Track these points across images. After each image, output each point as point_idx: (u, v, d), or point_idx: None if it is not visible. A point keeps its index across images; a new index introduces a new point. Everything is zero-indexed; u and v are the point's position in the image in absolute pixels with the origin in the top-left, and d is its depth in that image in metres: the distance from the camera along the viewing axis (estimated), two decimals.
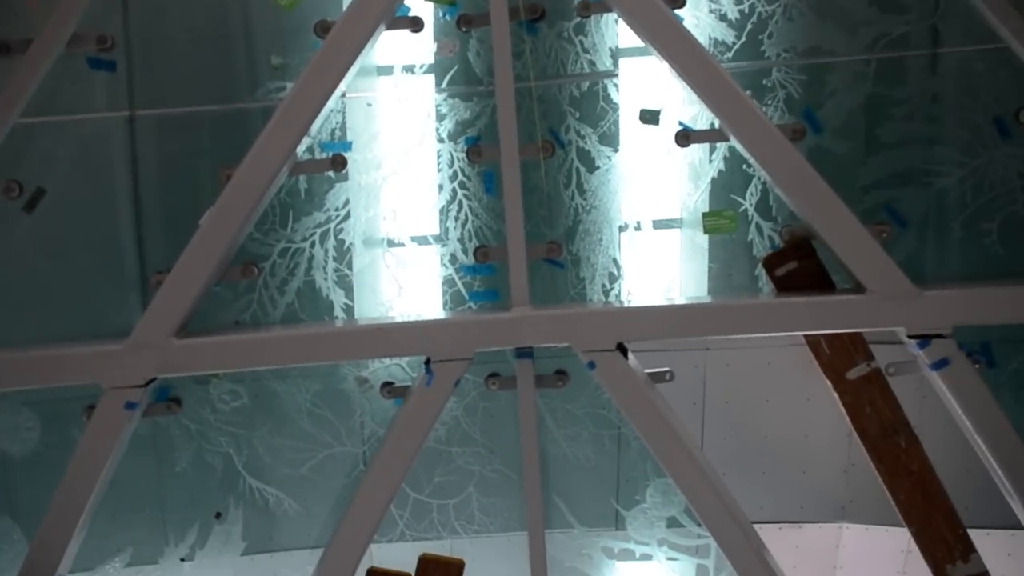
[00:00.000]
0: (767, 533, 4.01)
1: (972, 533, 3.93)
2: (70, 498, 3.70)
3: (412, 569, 4.05)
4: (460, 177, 4.10)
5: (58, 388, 3.98)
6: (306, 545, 4.39)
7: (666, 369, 3.84)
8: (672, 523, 4.23)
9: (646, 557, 4.23)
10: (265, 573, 4.46)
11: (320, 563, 3.88)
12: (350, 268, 4.10)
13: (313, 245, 4.09)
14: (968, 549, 3.96)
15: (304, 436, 4.24)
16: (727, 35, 3.98)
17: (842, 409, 3.90)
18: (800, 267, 3.88)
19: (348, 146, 3.99)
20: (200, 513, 4.36)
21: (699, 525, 4.08)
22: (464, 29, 3.92)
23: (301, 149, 3.75)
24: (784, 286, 3.89)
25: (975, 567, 3.97)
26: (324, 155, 3.93)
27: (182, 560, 4.43)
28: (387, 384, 4.10)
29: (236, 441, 4.25)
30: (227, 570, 4.49)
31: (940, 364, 3.66)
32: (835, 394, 3.91)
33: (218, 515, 4.36)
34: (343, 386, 4.21)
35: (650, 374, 3.79)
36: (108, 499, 3.90)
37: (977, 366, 3.79)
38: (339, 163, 3.89)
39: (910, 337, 3.67)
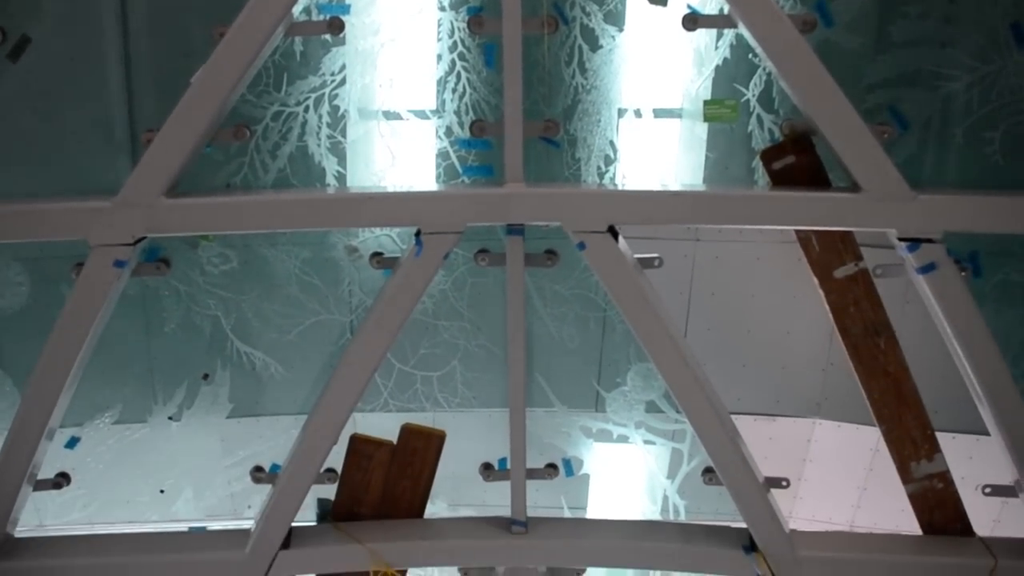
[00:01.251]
0: (742, 424, 4.12)
1: (939, 436, 4.06)
2: (59, 353, 3.75)
3: (395, 438, 4.18)
4: (460, 48, 3.99)
5: (48, 247, 4.00)
6: (291, 411, 4.49)
7: (655, 255, 3.85)
8: (651, 407, 4.32)
9: (623, 439, 4.34)
10: (251, 436, 4.58)
11: (304, 427, 3.99)
12: (344, 135, 4.04)
13: (307, 110, 4.02)
14: (933, 449, 4.09)
15: (292, 302, 4.27)
16: None
17: (826, 307, 3.95)
18: (798, 162, 3.85)
19: (347, 8, 3.86)
20: (188, 374, 4.44)
21: (677, 411, 4.18)
22: None
23: (297, 9, 3.63)
24: (780, 180, 3.87)
25: (938, 466, 4.11)
26: (321, 17, 3.80)
27: (170, 419, 4.53)
28: (376, 254, 4.10)
29: (225, 305, 4.28)
30: (214, 432, 4.60)
31: (927, 268, 3.67)
32: (821, 291, 3.95)
33: (205, 376, 4.44)
34: (333, 254, 4.21)
35: (639, 259, 3.79)
36: (97, 357, 3.95)
37: (964, 274, 3.81)
38: (336, 26, 3.77)
39: (900, 240, 3.67)
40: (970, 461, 4.38)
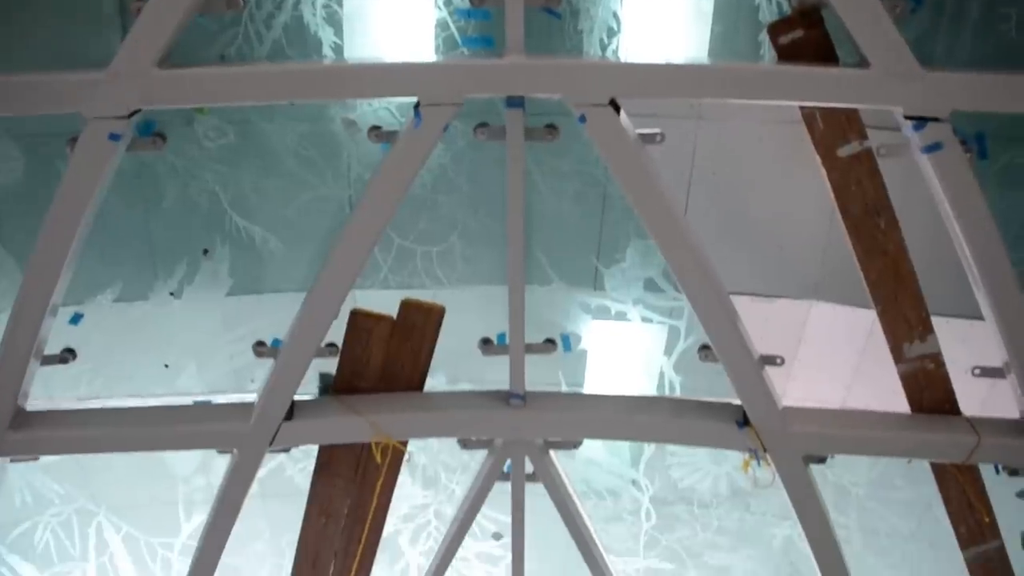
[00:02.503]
0: (739, 303, 4.13)
1: (932, 320, 4.08)
2: (59, 227, 3.72)
3: (395, 314, 4.22)
4: None
5: (42, 123, 3.92)
6: (292, 288, 4.52)
7: (657, 131, 3.79)
8: (649, 285, 4.35)
9: (621, 315, 4.38)
10: (252, 313, 4.63)
11: (305, 302, 4.00)
12: (340, 5, 3.91)
13: None
14: (927, 331, 4.13)
15: (290, 177, 4.23)
16: None
17: (828, 185, 3.91)
18: (806, 36, 3.73)
19: None
20: (187, 250, 4.44)
21: (675, 288, 4.21)
22: None
23: None
24: (787, 55, 3.76)
25: (930, 347, 4.16)
26: None
27: (171, 295, 4.57)
28: (374, 128, 4.03)
29: (222, 179, 4.25)
30: (215, 310, 4.65)
31: (932, 148, 3.62)
32: (823, 170, 3.90)
33: (205, 252, 4.45)
34: (330, 128, 4.15)
35: (641, 135, 3.74)
36: (96, 235, 3.92)
37: (968, 155, 3.77)
38: None
39: (907, 118, 3.60)
40: (962, 345, 4.44)
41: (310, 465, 4.75)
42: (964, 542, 4.76)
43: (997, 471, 4.59)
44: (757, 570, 5.28)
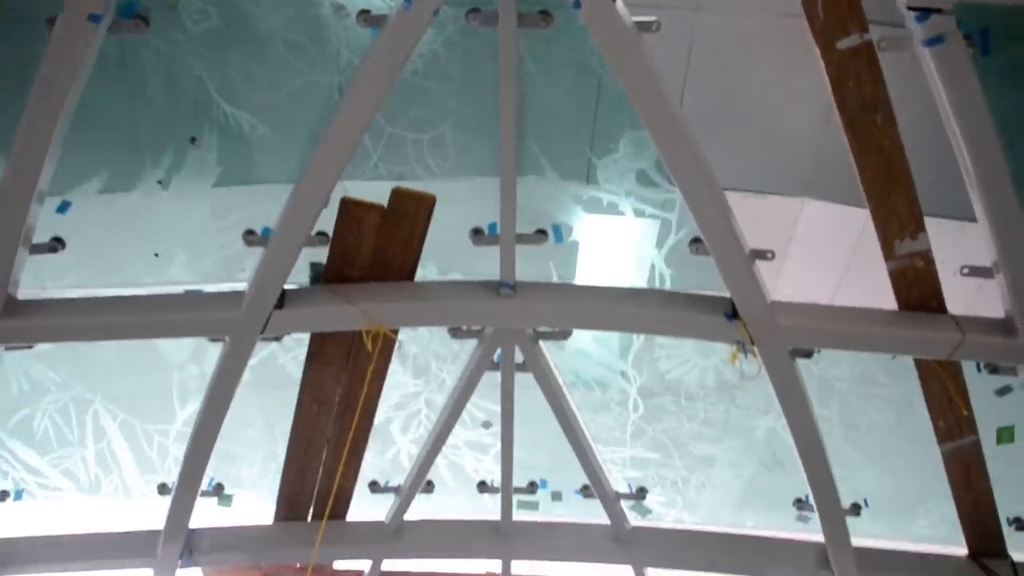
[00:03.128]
0: (731, 199, 4.10)
1: (924, 220, 4.07)
2: (42, 112, 3.64)
3: (385, 203, 4.19)
4: None
5: (19, 6, 3.80)
6: (281, 180, 4.46)
7: (653, 19, 3.69)
8: (641, 177, 4.31)
9: (613, 206, 4.36)
10: (241, 203, 4.58)
11: (295, 189, 3.96)
12: None
13: None
14: (918, 228, 4.13)
15: (279, 62, 4.12)
16: None
17: (826, 78, 3.84)
18: None
19: None
20: (174, 138, 4.36)
21: (668, 180, 4.19)
22: None
23: None
24: None
25: (920, 245, 4.17)
26: None
27: (159, 183, 4.51)
28: (363, 12, 3.90)
29: (208, 65, 4.12)
30: (204, 200, 4.60)
31: (934, 41, 3.54)
32: (822, 63, 3.83)
33: (193, 140, 4.37)
34: (319, 12, 4.02)
35: (637, 23, 3.64)
36: (80, 123, 3.84)
37: (971, 51, 3.69)
38: None
39: (910, 9, 3.52)
40: (952, 247, 4.44)
41: (302, 354, 4.81)
42: (942, 437, 4.89)
43: (979, 369, 4.68)
44: (740, 460, 5.44)
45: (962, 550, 5.24)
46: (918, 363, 4.62)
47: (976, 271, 4.25)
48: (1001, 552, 5.20)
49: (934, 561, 5.32)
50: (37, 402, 5.32)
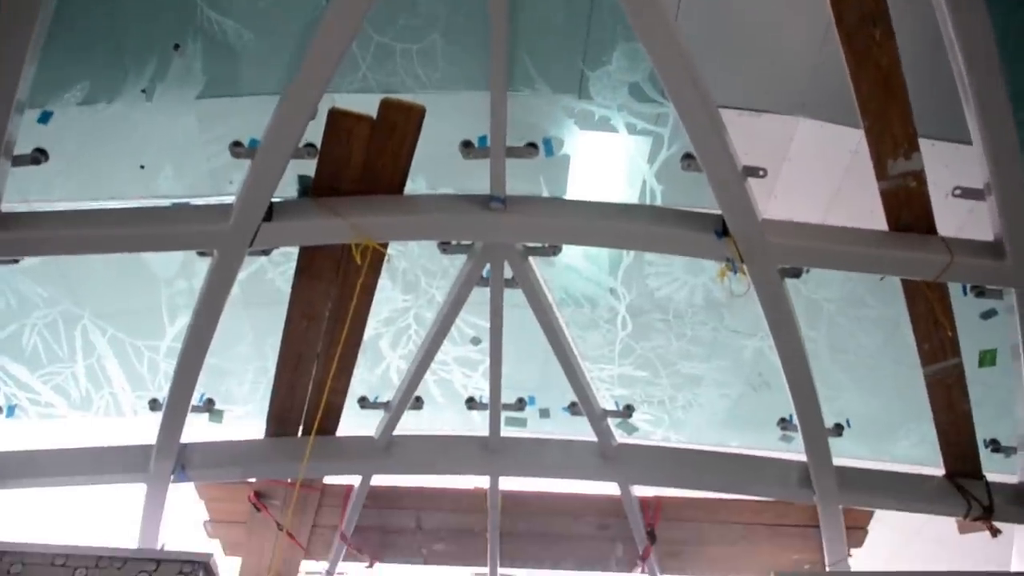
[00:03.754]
0: (725, 116, 4.04)
1: (919, 140, 4.03)
2: (17, 19, 3.52)
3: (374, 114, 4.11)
4: None
5: None
6: (268, 91, 4.37)
7: None
8: (634, 90, 4.23)
9: (605, 120, 4.30)
10: (228, 114, 4.49)
11: (282, 98, 3.88)
12: None
13: None
14: (912, 148, 4.10)
15: None
16: None
17: None
18: None
19: None
20: (158, 46, 4.25)
21: (661, 95, 4.12)
22: None
23: None
24: None
25: (913, 165, 4.15)
26: None
27: (142, 92, 4.42)
28: None
29: None
30: (190, 111, 4.51)
31: None
32: None
33: (176, 47, 4.26)
34: None
35: None
36: (59, 29, 3.73)
37: None
38: None
39: None
40: (945, 169, 4.42)
41: (291, 269, 4.78)
42: (926, 359, 4.95)
43: (965, 292, 4.71)
44: (727, 380, 5.49)
45: (939, 471, 5.35)
46: (906, 285, 4.64)
47: (968, 192, 4.24)
48: (977, 473, 5.32)
49: (912, 480, 5.43)
50: (26, 318, 5.30)
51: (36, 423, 5.69)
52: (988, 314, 4.79)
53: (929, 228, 4.33)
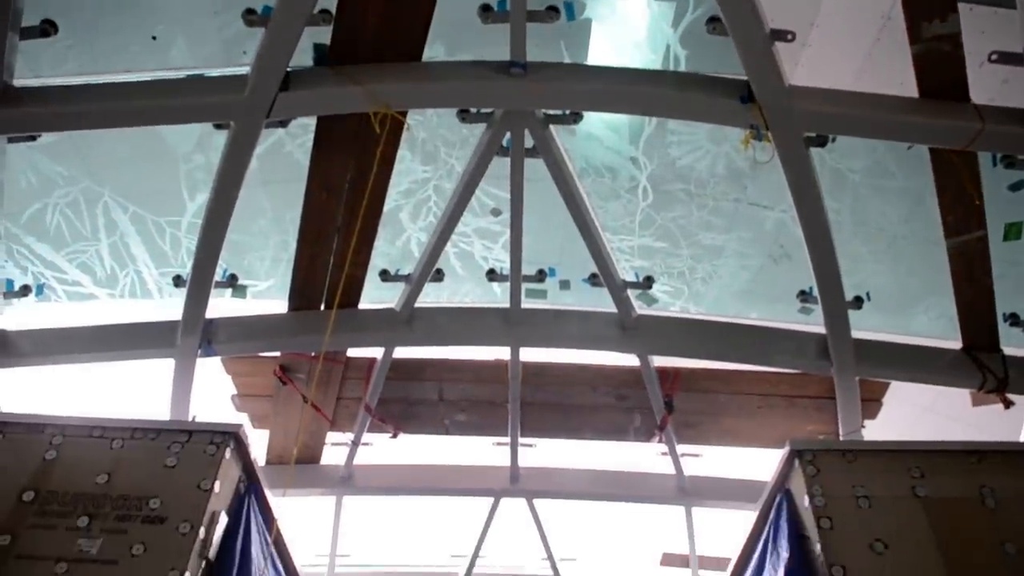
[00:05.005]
0: None
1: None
2: None
3: None
4: None
5: None
6: None
7: None
8: None
9: None
10: None
11: None
12: None
13: None
14: (949, 9, 3.93)
15: None
16: None
17: None
18: None
19: None
20: None
21: None
22: None
23: None
24: None
25: (950, 27, 3.99)
26: None
27: None
28: None
29: None
30: None
31: None
32: None
33: None
34: None
35: None
36: None
37: None
38: None
39: None
40: (981, 36, 4.26)
41: (309, 141, 4.74)
42: (950, 231, 4.90)
43: (995, 163, 4.61)
44: (747, 251, 5.45)
45: (957, 344, 5.38)
46: (934, 154, 4.54)
47: (1005, 57, 4.08)
48: (994, 346, 5.34)
49: (929, 353, 5.47)
50: (47, 196, 5.31)
51: (68, 308, 5.79)
52: (1017, 185, 4.70)
53: (961, 95, 4.21)
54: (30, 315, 5.72)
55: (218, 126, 4.54)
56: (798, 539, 3.86)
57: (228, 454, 4.01)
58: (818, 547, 3.70)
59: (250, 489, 4.21)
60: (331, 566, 7.21)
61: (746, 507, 4.83)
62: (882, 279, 5.41)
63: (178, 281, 5.47)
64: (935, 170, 4.59)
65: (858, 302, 5.25)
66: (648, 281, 5.45)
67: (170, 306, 5.53)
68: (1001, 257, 4.99)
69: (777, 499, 4.12)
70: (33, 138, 4.75)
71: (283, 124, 4.56)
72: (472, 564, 7.31)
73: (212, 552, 3.76)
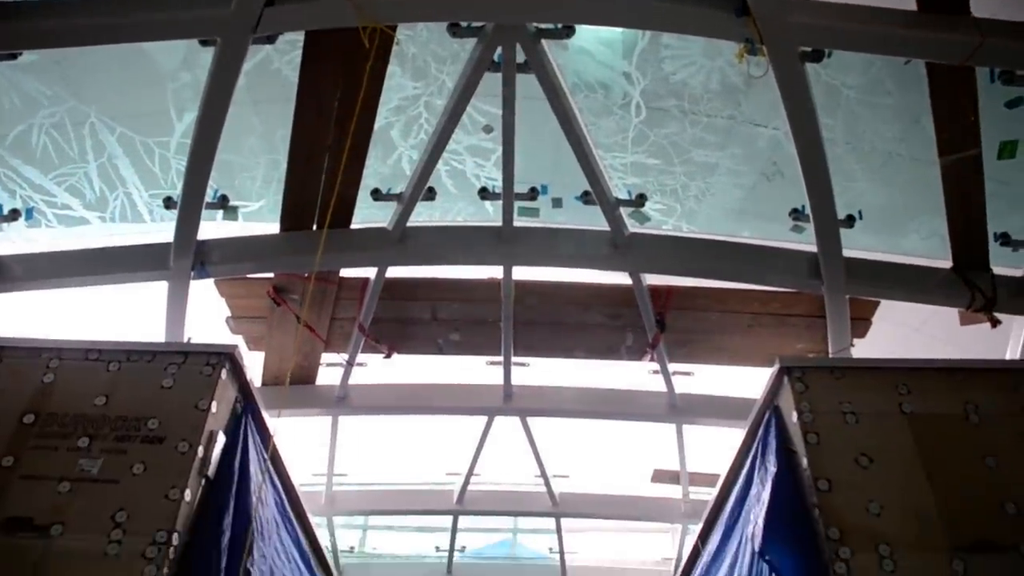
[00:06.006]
0: None
1: None
2: None
3: None
4: None
5: None
6: None
7: None
8: None
9: None
10: None
11: None
12: None
13: None
14: None
15: None
16: None
17: None
18: None
19: None
20: None
21: None
22: None
23: None
24: None
25: None
26: None
27: None
28: None
29: None
30: None
31: None
32: None
33: None
34: None
35: None
36: None
37: None
38: None
39: None
40: None
41: (298, 58, 4.64)
42: (944, 149, 4.86)
43: (993, 78, 4.55)
44: (741, 169, 5.41)
45: (947, 264, 5.40)
46: (931, 69, 4.48)
47: None
48: (983, 265, 5.36)
49: (919, 272, 5.49)
50: (32, 117, 5.22)
51: (62, 236, 5.75)
52: (1015, 102, 4.65)
53: (960, 6, 4.13)
54: (25, 245, 5.68)
55: (204, 43, 4.44)
56: (785, 454, 3.96)
57: (224, 375, 4.05)
58: (804, 461, 3.80)
59: (247, 409, 4.26)
60: (328, 484, 7.40)
61: (736, 425, 4.94)
62: (874, 197, 5.40)
63: (169, 203, 5.41)
64: (931, 86, 4.53)
65: (850, 220, 5.24)
66: (641, 199, 5.40)
67: (164, 231, 5.50)
68: (994, 176, 4.96)
69: (766, 415, 4.20)
70: (13, 56, 4.63)
71: (270, 40, 4.44)
72: (467, 481, 7.51)
73: (211, 471, 3.85)
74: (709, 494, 5.17)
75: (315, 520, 5.05)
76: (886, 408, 3.95)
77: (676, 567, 6.80)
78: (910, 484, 3.71)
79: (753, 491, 4.08)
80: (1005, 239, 5.32)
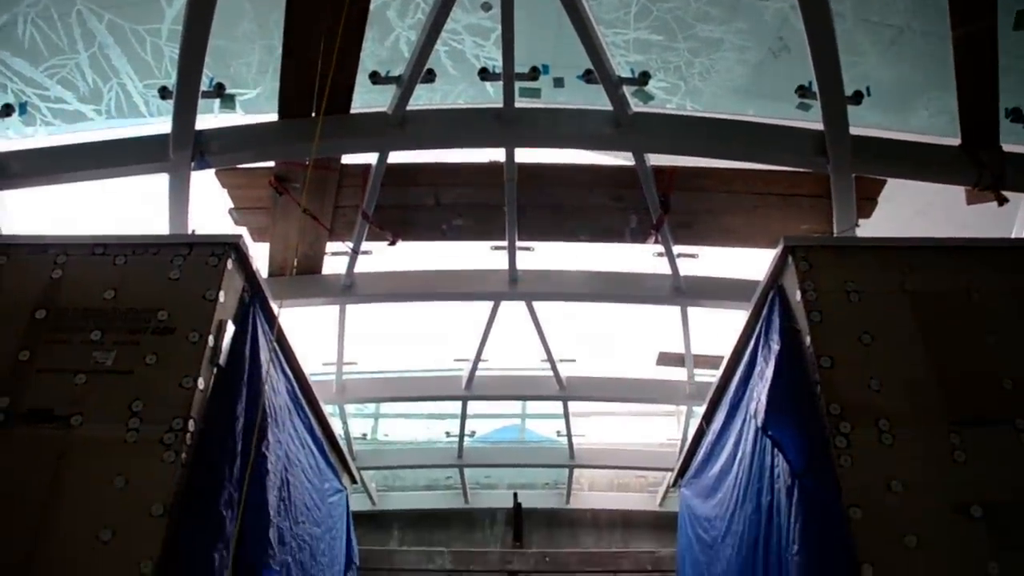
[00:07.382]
0: None
1: None
2: None
3: None
4: None
5: None
6: None
7: None
8: None
9: None
10: None
11: None
12: None
13: None
14: None
15: None
16: None
17: None
18: None
19: None
20: None
21: None
22: None
23: None
24: None
25: None
26: None
27: None
28: None
29: None
30: None
31: None
32: None
33: None
34: None
35: None
36: None
37: None
38: None
39: None
40: None
41: None
42: (957, 20, 4.69)
43: None
44: (746, 44, 5.24)
45: (956, 142, 5.30)
46: None
47: None
48: (993, 142, 5.25)
49: (927, 149, 5.39)
50: (15, 6, 5.05)
51: (60, 132, 5.65)
52: None
53: None
54: (24, 143, 5.60)
55: None
56: (789, 332, 4.00)
57: (230, 264, 4.09)
58: (808, 339, 3.86)
59: (254, 299, 4.31)
60: (338, 373, 7.53)
61: (741, 307, 4.96)
62: (883, 73, 5.25)
63: (164, 93, 5.30)
64: None
65: (858, 97, 5.12)
66: (644, 77, 5.24)
67: (164, 126, 5.40)
68: (1008, 50, 4.81)
69: (770, 295, 4.23)
70: None
71: None
72: (475, 367, 7.64)
73: (222, 359, 3.92)
74: (714, 376, 5.27)
75: (327, 408, 5.17)
76: (889, 286, 3.97)
77: (681, 448, 6.97)
78: (911, 361, 3.77)
79: (757, 369, 4.14)
80: (1016, 115, 5.20)
